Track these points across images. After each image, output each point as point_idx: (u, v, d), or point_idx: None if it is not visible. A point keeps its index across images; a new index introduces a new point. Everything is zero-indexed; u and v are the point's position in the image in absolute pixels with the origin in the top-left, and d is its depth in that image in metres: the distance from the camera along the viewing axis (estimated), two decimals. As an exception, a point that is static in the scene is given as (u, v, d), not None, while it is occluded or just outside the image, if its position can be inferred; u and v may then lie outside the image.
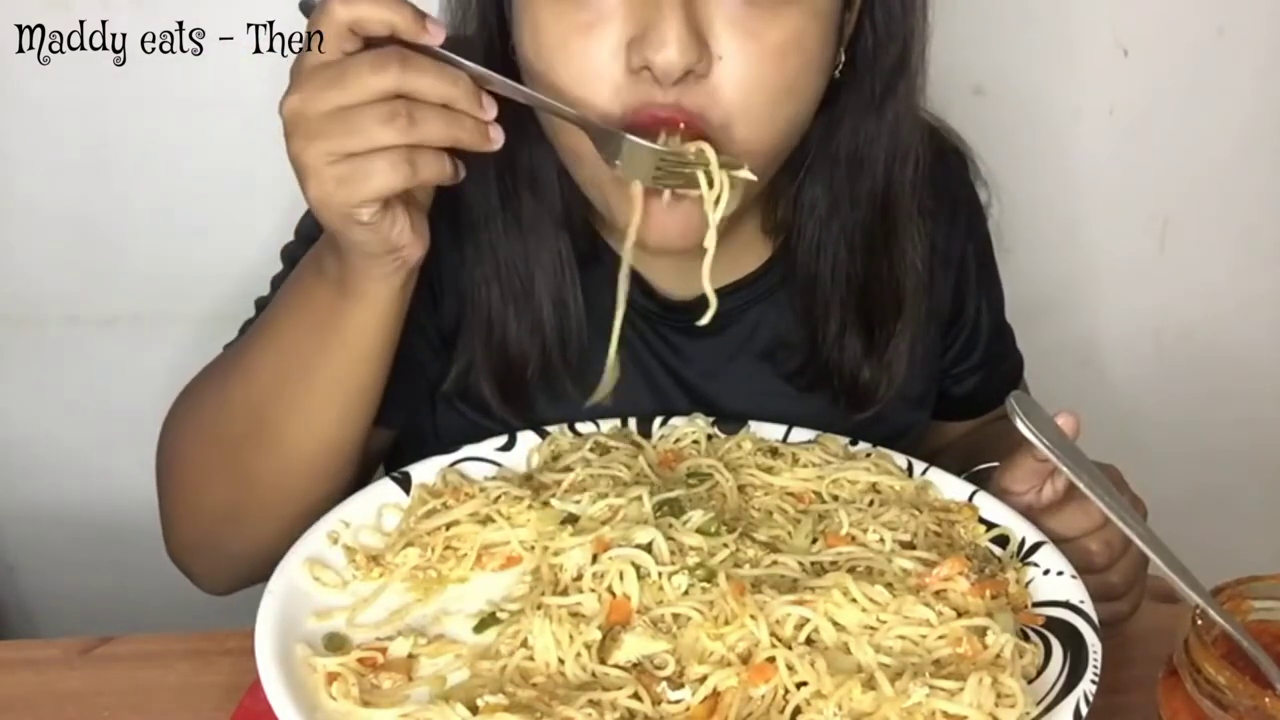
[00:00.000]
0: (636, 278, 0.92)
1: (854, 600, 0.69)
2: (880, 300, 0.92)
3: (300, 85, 0.68)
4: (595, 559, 0.73)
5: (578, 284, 0.89)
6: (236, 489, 0.83)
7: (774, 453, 0.87)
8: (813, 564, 0.75)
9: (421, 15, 0.68)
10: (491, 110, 0.69)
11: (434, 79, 0.67)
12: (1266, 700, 0.59)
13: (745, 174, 0.76)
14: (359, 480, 0.92)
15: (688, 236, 0.78)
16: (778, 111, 0.77)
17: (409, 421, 0.96)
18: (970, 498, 0.84)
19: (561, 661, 0.67)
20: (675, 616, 0.70)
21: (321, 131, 0.67)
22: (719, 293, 0.91)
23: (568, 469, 0.84)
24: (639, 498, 0.78)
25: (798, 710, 0.64)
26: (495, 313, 0.89)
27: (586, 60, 0.74)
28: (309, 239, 0.85)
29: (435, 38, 0.68)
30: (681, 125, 0.74)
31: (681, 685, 0.66)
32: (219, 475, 0.84)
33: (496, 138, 0.70)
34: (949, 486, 0.85)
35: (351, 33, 0.67)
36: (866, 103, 0.86)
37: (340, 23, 0.67)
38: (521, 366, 0.89)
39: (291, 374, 0.80)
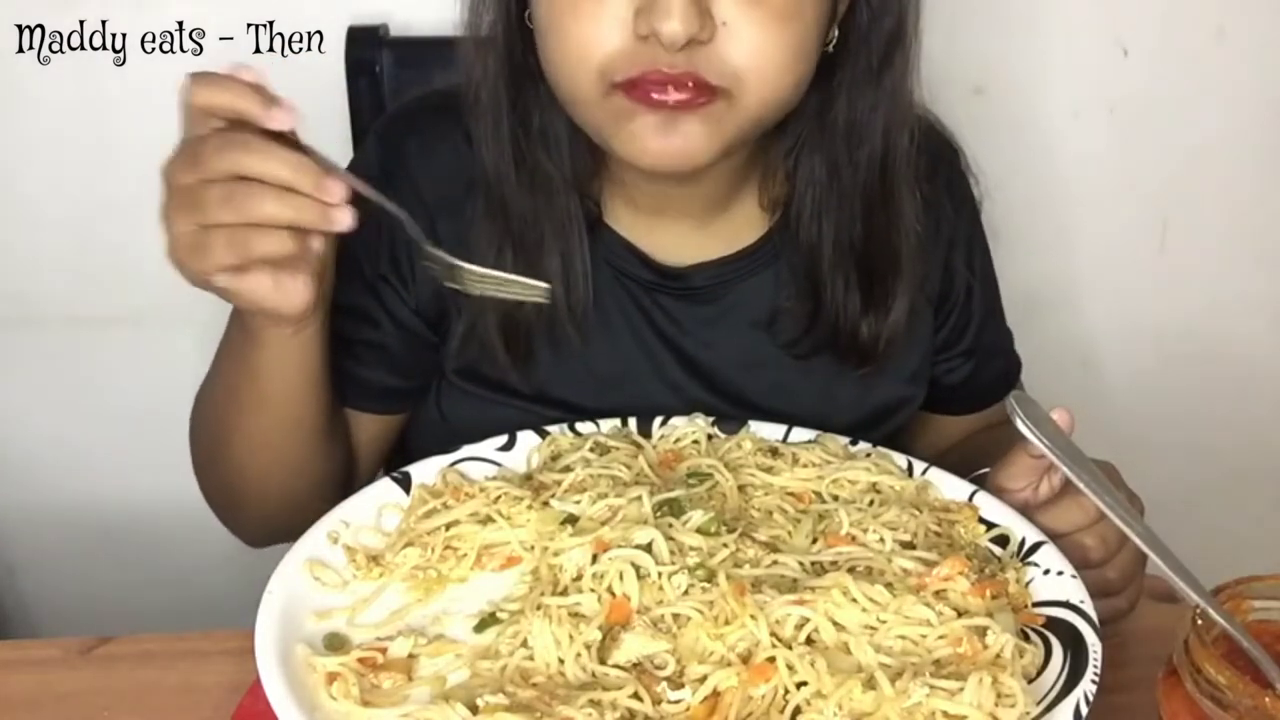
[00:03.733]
0: (633, 249, 0.96)
1: (854, 600, 0.69)
2: (880, 261, 0.94)
3: (174, 154, 0.72)
4: (595, 559, 0.73)
5: (585, 241, 0.92)
6: (223, 484, 0.94)
7: (774, 453, 0.87)
8: (813, 564, 0.75)
9: (270, 101, 0.70)
10: (336, 193, 0.70)
11: (274, 163, 0.69)
12: (1266, 700, 0.59)
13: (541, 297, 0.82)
14: (363, 468, 0.99)
15: (683, 156, 0.81)
16: (783, 75, 0.82)
17: (402, 408, 0.99)
18: (970, 498, 0.84)
19: (561, 661, 0.67)
20: (675, 616, 0.70)
21: (180, 202, 0.71)
22: (716, 264, 0.96)
23: (567, 469, 0.84)
24: (639, 498, 0.78)
25: (798, 710, 0.64)
26: (500, 268, 0.90)
27: (597, 26, 0.79)
28: None
29: (281, 123, 0.70)
30: (690, 84, 0.78)
31: (681, 685, 0.66)
32: (208, 472, 0.95)
33: (341, 219, 0.71)
34: (949, 486, 0.85)
35: (208, 114, 0.71)
36: (864, 74, 0.89)
37: (197, 106, 0.71)
38: (526, 319, 0.92)
39: (230, 403, 0.87)
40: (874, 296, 0.94)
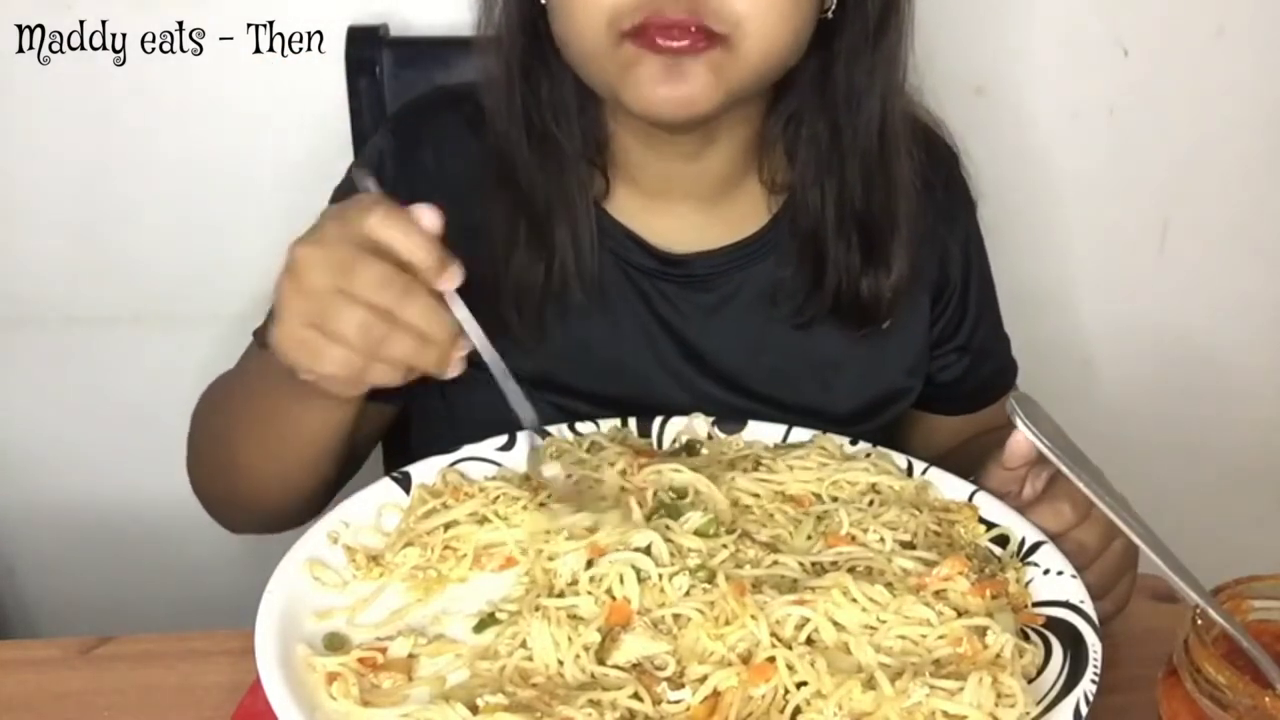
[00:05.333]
0: (634, 236, 0.97)
1: (854, 600, 0.69)
2: (879, 223, 0.95)
3: (318, 242, 0.71)
4: (590, 564, 0.73)
5: (592, 211, 0.94)
6: (229, 491, 0.95)
7: (757, 463, 0.86)
8: (813, 564, 0.75)
9: (445, 263, 0.71)
10: (464, 351, 0.73)
11: (424, 317, 0.70)
12: (1266, 700, 0.59)
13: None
14: (357, 456, 0.99)
15: (687, 103, 0.83)
16: (782, 23, 0.84)
17: (398, 396, 0.97)
18: (970, 498, 0.84)
19: (560, 663, 0.67)
20: (676, 617, 0.70)
21: (309, 293, 0.70)
22: (719, 252, 0.98)
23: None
24: (627, 505, 0.78)
25: (798, 710, 0.64)
26: (512, 237, 0.93)
27: None
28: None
29: (448, 286, 0.72)
30: (693, 28, 0.80)
31: (682, 685, 0.66)
32: (215, 479, 0.96)
33: (456, 370, 0.73)
34: (949, 486, 0.85)
35: (376, 244, 0.70)
36: (860, 39, 0.91)
37: (366, 233, 0.70)
38: (535, 285, 0.93)
39: (253, 435, 0.89)
40: (873, 256, 0.95)
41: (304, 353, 0.72)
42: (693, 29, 0.80)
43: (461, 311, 0.73)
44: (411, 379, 0.74)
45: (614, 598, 0.71)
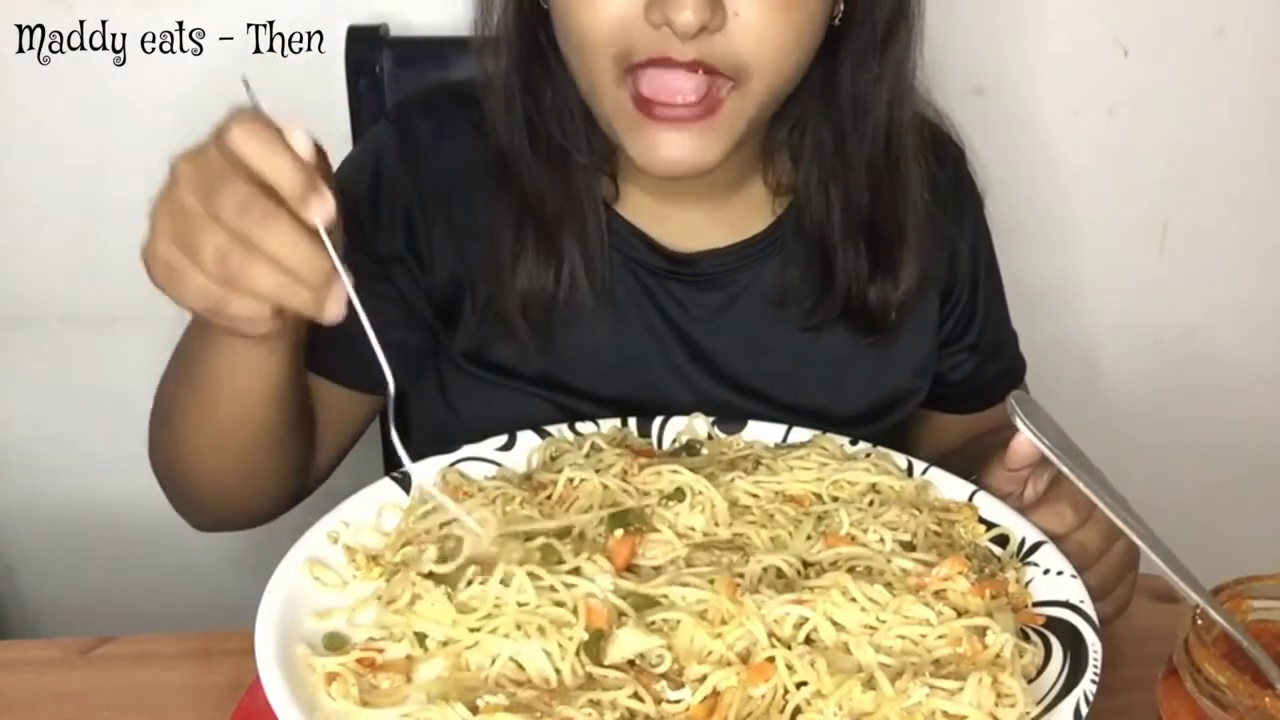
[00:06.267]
0: (641, 235, 0.96)
1: (853, 600, 0.69)
2: (886, 230, 0.95)
3: (195, 157, 0.67)
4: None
5: (602, 216, 0.93)
6: (172, 472, 0.90)
7: (756, 463, 0.86)
8: (812, 564, 0.75)
9: (312, 190, 0.64)
10: (339, 296, 0.66)
11: (286, 250, 0.64)
12: (1266, 700, 0.59)
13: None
14: (325, 452, 0.95)
15: (695, 166, 0.84)
16: (787, 60, 0.84)
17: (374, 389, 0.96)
18: (970, 498, 0.84)
19: (558, 672, 0.67)
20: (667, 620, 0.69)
21: (177, 212, 0.66)
22: (726, 250, 0.98)
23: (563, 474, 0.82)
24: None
25: (798, 710, 0.64)
26: (519, 245, 0.92)
27: (612, 14, 0.80)
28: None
29: (314, 217, 0.65)
30: (700, 70, 0.81)
31: (681, 685, 0.66)
32: (159, 456, 0.90)
33: (332, 314, 0.66)
34: (949, 486, 0.85)
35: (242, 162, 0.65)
36: (868, 46, 0.90)
37: (238, 154, 0.65)
38: (544, 293, 0.92)
39: (180, 395, 0.85)
40: (881, 264, 0.95)
41: (167, 276, 0.67)
42: (699, 70, 0.80)
43: (333, 254, 0.65)
44: (289, 319, 0.69)
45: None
